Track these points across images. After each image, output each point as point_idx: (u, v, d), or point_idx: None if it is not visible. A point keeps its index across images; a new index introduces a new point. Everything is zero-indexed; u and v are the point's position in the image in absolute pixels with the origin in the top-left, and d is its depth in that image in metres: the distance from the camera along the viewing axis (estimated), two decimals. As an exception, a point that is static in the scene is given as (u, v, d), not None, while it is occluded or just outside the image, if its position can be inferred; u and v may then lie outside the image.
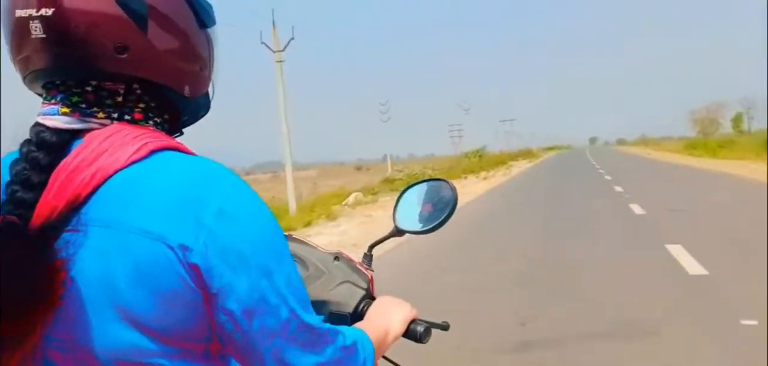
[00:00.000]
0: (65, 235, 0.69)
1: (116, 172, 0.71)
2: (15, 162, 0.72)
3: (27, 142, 0.74)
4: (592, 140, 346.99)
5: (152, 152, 0.73)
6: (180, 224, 0.69)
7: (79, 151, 0.72)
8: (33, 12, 0.71)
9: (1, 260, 0.63)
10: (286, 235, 0.83)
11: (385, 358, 1.06)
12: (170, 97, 0.80)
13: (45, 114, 0.75)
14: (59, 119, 0.74)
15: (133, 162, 0.71)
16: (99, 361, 0.69)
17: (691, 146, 52.26)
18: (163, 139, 0.76)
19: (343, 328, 0.84)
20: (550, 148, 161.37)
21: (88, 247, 0.68)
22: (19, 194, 0.69)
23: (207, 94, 0.87)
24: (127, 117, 0.76)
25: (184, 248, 0.68)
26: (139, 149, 0.72)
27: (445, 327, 1.09)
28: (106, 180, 0.70)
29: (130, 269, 0.68)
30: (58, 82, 0.76)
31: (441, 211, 1.19)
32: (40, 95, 0.79)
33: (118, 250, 0.68)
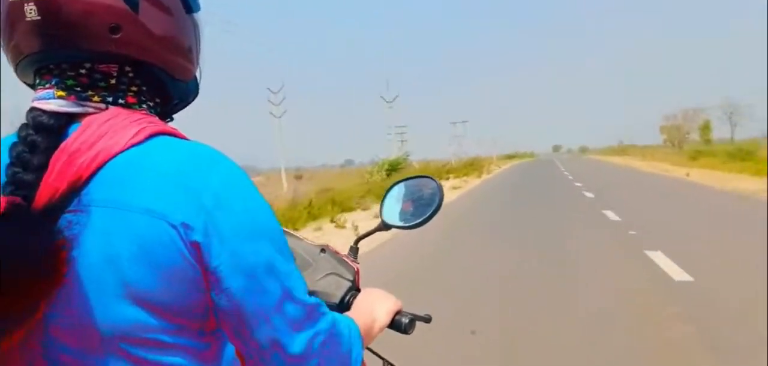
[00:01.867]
0: (67, 216, 0.74)
1: (116, 154, 0.77)
2: (14, 145, 0.78)
3: (25, 126, 0.80)
4: (556, 148, 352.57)
5: (150, 136, 0.80)
6: (181, 204, 0.76)
7: (78, 134, 0.78)
8: None
9: (5, 240, 0.69)
10: None
11: (369, 349, 1.13)
12: (161, 79, 0.87)
13: (40, 98, 0.81)
14: (55, 103, 0.80)
15: (133, 145, 0.78)
16: (102, 337, 0.75)
17: (698, 155, 40.49)
18: (160, 125, 0.84)
19: (331, 313, 0.90)
20: (511, 157, 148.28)
21: (91, 227, 0.75)
22: (20, 176, 0.76)
23: (195, 78, 0.95)
24: (121, 101, 0.83)
25: (186, 226, 0.75)
26: (137, 133, 0.79)
27: (427, 319, 1.16)
28: (106, 162, 0.77)
29: (133, 247, 0.74)
30: (51, 66, 0.82)
31: (425, 207, 1.28)
32: (30, 85, 0.85)
33: (121, 229, 0.74)
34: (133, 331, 0.75)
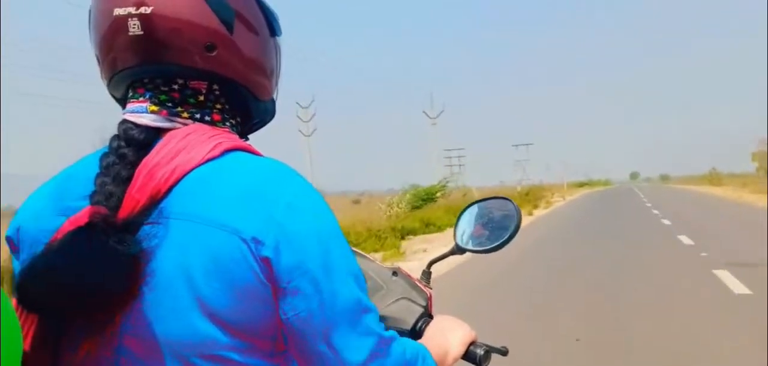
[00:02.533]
0: (146, 228, 0.76)
1: (193, 169, 0.79)
2: (105, 155, 0.82)
3: (116, 137, 0.83)
4: (633, 175, 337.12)
5: (225, 152, 0.82)
6: (253, 218, 0.76)
7: (159, 148, 0.81)
8: (132, 10, 0.80)
9: (91, 249, 0.72)
10: None
11: None
12: (245, 98, 0.90)
13: (133, 111, 0.84)
14: (148, 117, 0.84)
15: (209, 160, 0.80)
16: (174, 350, 0.76)
17: None
18: (236, 140, 0.86)
19: (406, 341, 0.88)
20: (582, 184, 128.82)
21: (167, 239, 0.76)
22: (108, 187, 0.78)
23: (273, 99, 0.97)
24: (207, 118, 0.87)
25: (257, 241, 0.75)
26: (213, 148, 0.81)
27: (504, 352, 1.11)
28: (183, 176, 0.79)
29: (207, 261, 0.75)
30: (146, 80, 0.85)
31: (500, 231, 1.21)
32: (118, 100, 0.89)
33: (196, 243, 0.76)
34: (205, 347, 0.76)
